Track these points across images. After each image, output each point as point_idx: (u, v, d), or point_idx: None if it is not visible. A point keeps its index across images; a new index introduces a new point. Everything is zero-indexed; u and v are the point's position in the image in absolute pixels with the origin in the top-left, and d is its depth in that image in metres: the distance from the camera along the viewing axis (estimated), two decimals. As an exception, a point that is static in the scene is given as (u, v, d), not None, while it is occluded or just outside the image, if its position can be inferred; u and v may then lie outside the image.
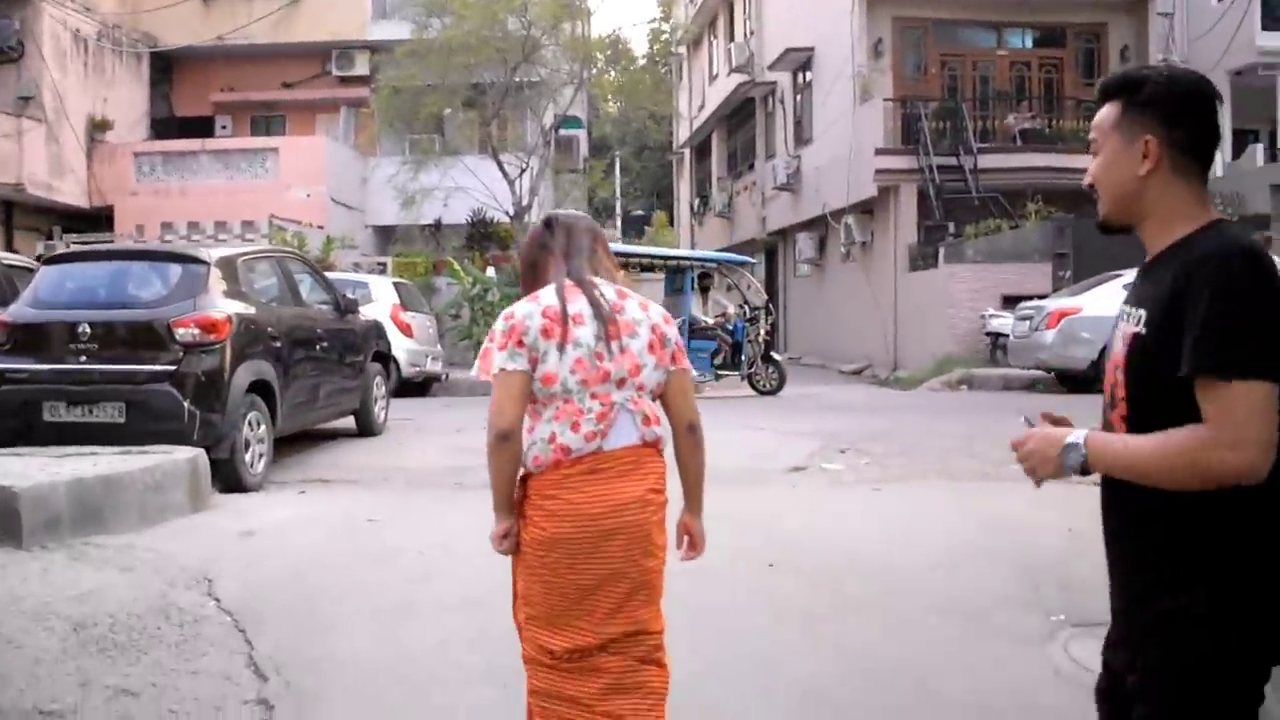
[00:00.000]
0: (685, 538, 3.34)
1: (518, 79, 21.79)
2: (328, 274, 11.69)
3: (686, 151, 41.97)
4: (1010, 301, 20.37)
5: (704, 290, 17.20)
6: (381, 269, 22.00)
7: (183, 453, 6.79)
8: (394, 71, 22.37)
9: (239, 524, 6.43)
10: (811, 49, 26.79)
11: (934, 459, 9.47)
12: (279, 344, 8.48)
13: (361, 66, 27.29)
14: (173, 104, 28.27)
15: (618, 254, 17.03)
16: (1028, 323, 16.71)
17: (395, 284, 16.68)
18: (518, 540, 3.13)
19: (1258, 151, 26.95)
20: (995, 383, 17.96)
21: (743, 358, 16.70)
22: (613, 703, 3.06)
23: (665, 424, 3.18)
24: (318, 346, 9.30)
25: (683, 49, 39.95)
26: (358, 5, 27.11)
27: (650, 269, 17.21)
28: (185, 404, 7.48)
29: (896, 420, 12.47)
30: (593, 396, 3.04)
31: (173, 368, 7.54)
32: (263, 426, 8.15)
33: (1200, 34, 24.98)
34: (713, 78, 36.94)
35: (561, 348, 3.03)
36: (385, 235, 27.64)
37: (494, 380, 3.05)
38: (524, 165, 22.03)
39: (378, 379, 10.86)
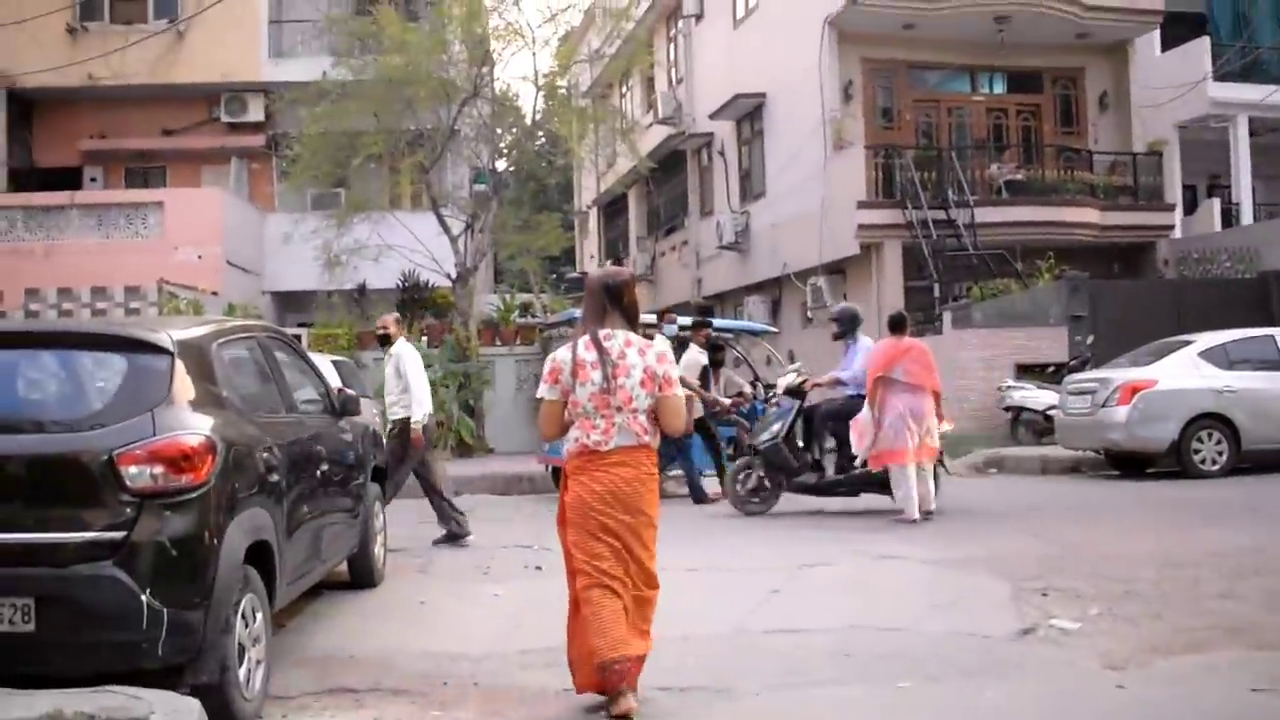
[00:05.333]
0: None
1: (455, 125, 18.72)
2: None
3: (593, 211, 39.27)
4: (1024, 370, 18.10)
5: (715, 365, 14.28)
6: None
7: (165, 706, 3.62)
8: (304, 114, 19.09)
9: None
10: (763, 95, 24.40)
11: (1185, 605, 6.75)
12: (277, 477, 5.32)
13: (255, 111, 23.94)
14: (33, 152, 24.40)
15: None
16: (1088, 398, 14.30)
17: (335, 362, 13.45)
18: (562, 506, 5.04)
19: (1214, 207, 25.49)
20: (1031, 465, 15.60)
21: (763, 445, 13.88)
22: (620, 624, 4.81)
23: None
24: (319, 472, 6.13)
25: (585, 102, 37.28)
26: (250, 41, 23.79)
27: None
28: (143, 598, 4.29)
29: (1028, 529, 9.79)
30: (601, 416, 4.87)
31: (120, 535, 4.35)
32: (259, 616, 4.97)
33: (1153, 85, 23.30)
34: (625, 132, 34.37)
35: (582, 384, 4.86)
36: (285, 303, 24.13)
37: (543, 403, 5.05)
38: (468, 221, 18.91)
39: (376, 504, 7.69)
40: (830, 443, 11.19)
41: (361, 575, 7.47)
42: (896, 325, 10.91)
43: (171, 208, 21.24)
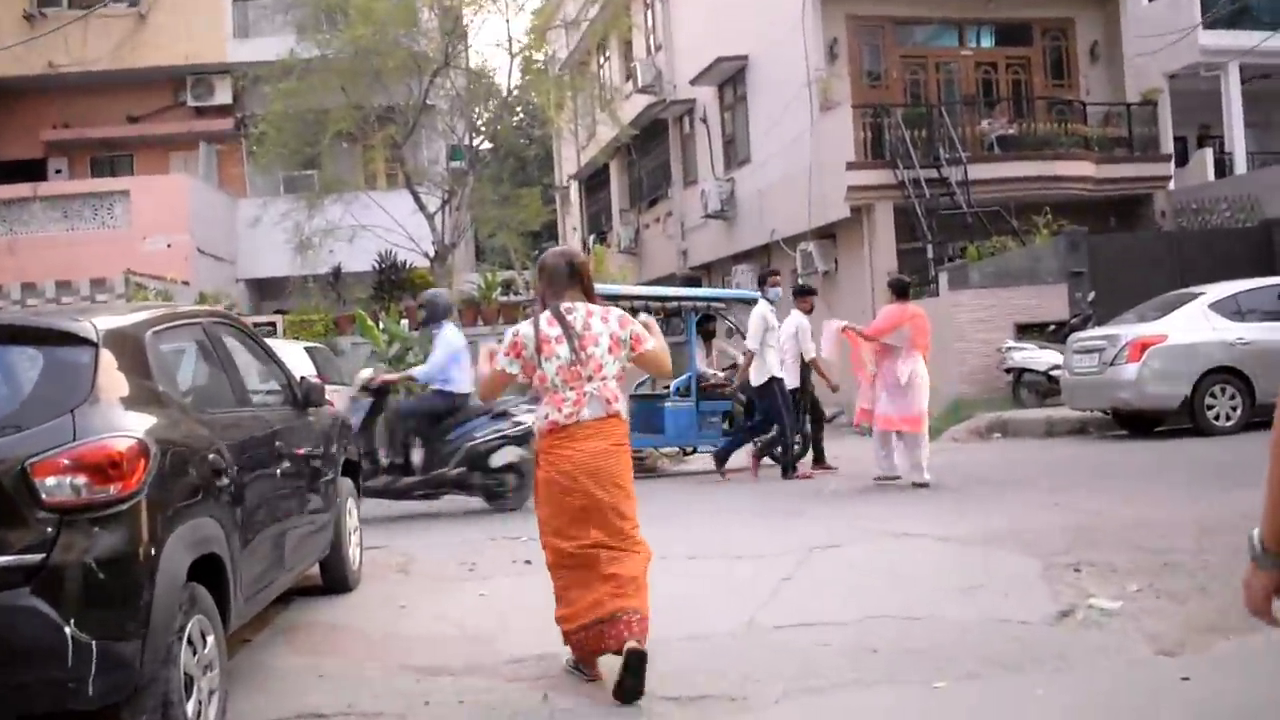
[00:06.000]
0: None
1: (428, 99, 18.02)
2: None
3: (575, 185, 38.50)
4: (1024, 330, 17.55)
5: (705, 337, 13.72)
6: (270, 330, 17.97)
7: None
8: (271, 92, 18.36)
9: None
10: (745, 58, 23.73)
11: (1232, 577, 6.16)
12: (227, 480, 4.72)
13: (223, 94, 23.25)
14: (-7, 145, 23.70)
15: (605, 296, 13.53)
16: (1095, 355, 13.78)
17: (309, 349, 12.83)
18: (536, 486, 5.00)
19: (1207, 157, 24.88)
20: (1036, 428, 15.10)
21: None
22: (610, 580, 4.76)
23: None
24: (280, 470, 5.53)
25: (564, 75, 36.47)
26: (214, 21, 23.08)
27: (644, 311, 13.59)
28: (67, 630, 3.70)
29: (1047, 497, 9.25)
30: (570, 388, 4.84)
31: (37, 558, 3.74)
32: (210, 640, 4.38)
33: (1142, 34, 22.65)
34: (605, 102, 33.61)
35: (548, 359, 4.86)
36: (259, 290, 23.49)
37: (490, 370, 5.01)
38: (445, 197, 18.23)
39: (349, 502, 7.08)
40: (415, 442, 10.28)
41: (335, 579, 6.87)
42: (902, 290, 10.98)
43: (138, 196, 20.58)
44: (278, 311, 20.38)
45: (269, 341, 12.92)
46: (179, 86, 23.48)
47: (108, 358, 4.22)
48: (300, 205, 18.00)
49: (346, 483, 7.02)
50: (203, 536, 4.35)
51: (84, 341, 4.20)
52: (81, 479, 3.84)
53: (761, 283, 12.42)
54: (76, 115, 23.48)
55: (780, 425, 11.85)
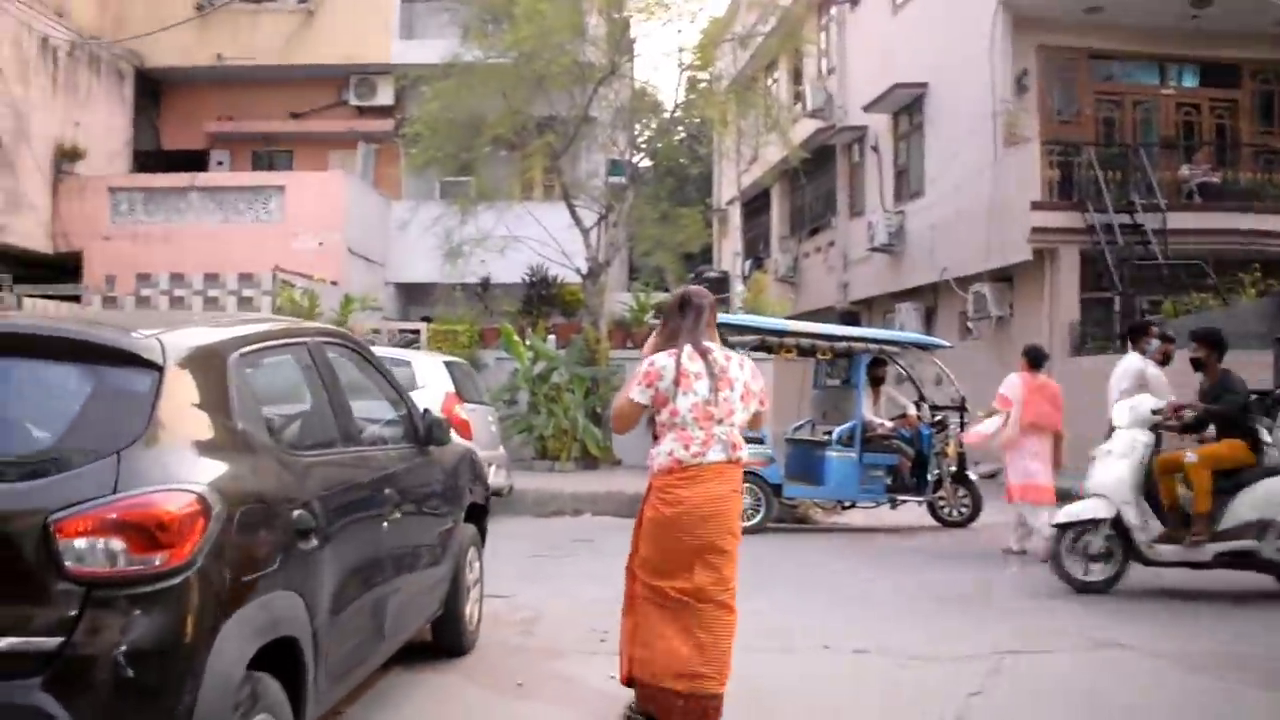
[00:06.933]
0: None
1: (590, 110, 17.24)
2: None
3: (734, 208, 37.49)
4: (1222, 398, 15.85)
5: (874, 382, 12.55)
6: (413, 339, 17.39)
7: None
8: (429, 92, 17.80)
9: None
10: (924, 86, 22.44)
11: None
12: (315, 540, 3.83)
13: (384, 95, 22.91)
14: (160, 134, 23.78)
15: (770, 331, 12.55)
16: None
17: (448, 364, 12.07)
18: (640, 518, 4.91)
19: None
20: (1233, 507, 13.36)
21: (929, 477, 12.11)
22: (699, 648, 4.62)
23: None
24: (388, 521, 4.64)
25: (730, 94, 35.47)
26: (381, 21, 22.76)
27: (810, 352, 12.45)
28: (82, 741, 2.85)
29: (1266, 610, 7.89)
30: (700, 428, 4.75)
31: (53, 643, 2.91)
32: (276, 744, 3.49)
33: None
34: (774, 122, 32.53)
35: (685, 393, 4.75)
36: (408, 295, 23.09)
37: (624, 403, 4.90)
38: (602, 213, 17.42)
39: (471, 552, 6.17)
40: None
41: (448, 640, 5.95)
42: (1036, 361, 10.62)
43: (293, 192, 20.28)
44: (424, 318, 19.84)
45: (411, 353, 12.31)
46: (342, 85, 23.24)
47: (175, 385, 3.38)
48: (453, 211, 17.37)
49: (470, 529, 6.12)
50: (274, 617, 3.46)
51: (146, 363, 3.36)
52: (119, 544, 2.99)
53: (1135, 336, 10.83)
54: (240, 109, 23.41)
55: None
